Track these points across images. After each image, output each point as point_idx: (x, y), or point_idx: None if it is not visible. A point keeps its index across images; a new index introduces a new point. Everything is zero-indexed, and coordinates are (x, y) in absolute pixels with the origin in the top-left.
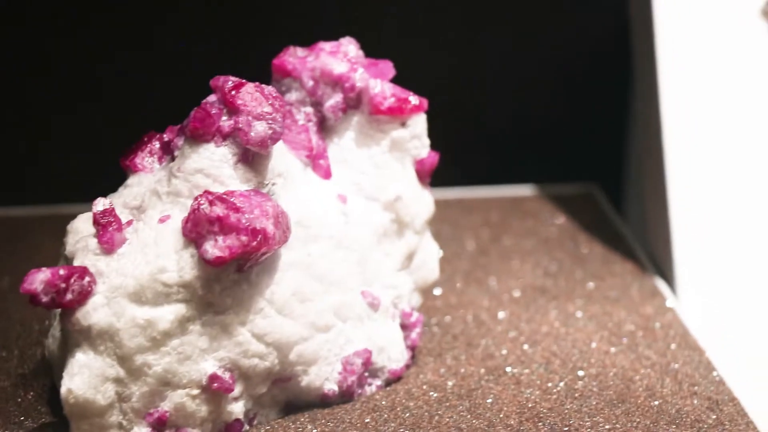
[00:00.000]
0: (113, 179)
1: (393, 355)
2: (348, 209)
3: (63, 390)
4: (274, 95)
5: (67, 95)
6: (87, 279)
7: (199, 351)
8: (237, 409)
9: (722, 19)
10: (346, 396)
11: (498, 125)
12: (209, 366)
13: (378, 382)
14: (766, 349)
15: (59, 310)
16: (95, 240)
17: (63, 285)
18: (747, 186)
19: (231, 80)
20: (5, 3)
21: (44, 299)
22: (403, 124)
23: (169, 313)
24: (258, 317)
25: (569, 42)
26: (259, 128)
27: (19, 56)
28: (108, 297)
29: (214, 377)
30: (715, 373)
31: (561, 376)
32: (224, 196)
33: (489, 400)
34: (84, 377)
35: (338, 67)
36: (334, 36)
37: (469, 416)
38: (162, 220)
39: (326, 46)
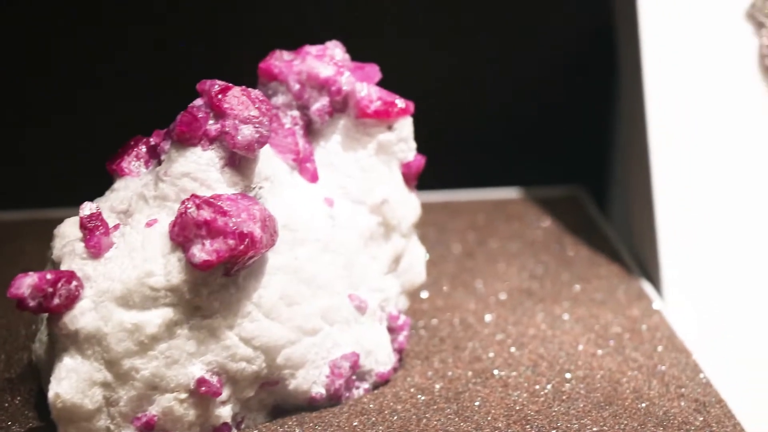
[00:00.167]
0: (99, 184)
1: (380, 358)
2: (335, 212)
3: (50, 394)
4: (261, 99)
5: (53, 99)
6: (74, 283)
7: (186, 355)
8: (225, 412)
9: (707, 20)
10: (333, 399)
11: (483, 128)
12: (197, 370)
13: (365, 385)
14: (752, 350)
15: (46, 314)
16: (82, 244)
17: (50, 289)
18: (733, 188)
19: (217, 84)
20: None
21: (31, 304)
22: (390, 128)
23: (157, 317)
24: (245, 321)
25: (554, 44)
26: (246, 132)
27: (2, 60)
28: (95, 301)
29: (201, 381)
30: (702, 375)
31: (548, 379)
32: (211, 200)
33: (476, 403)
34: (71, 382)
35: (324, 71)
36: (320, 39)
37: (456, 419)
38: (149, 224)
39: (312, 49)
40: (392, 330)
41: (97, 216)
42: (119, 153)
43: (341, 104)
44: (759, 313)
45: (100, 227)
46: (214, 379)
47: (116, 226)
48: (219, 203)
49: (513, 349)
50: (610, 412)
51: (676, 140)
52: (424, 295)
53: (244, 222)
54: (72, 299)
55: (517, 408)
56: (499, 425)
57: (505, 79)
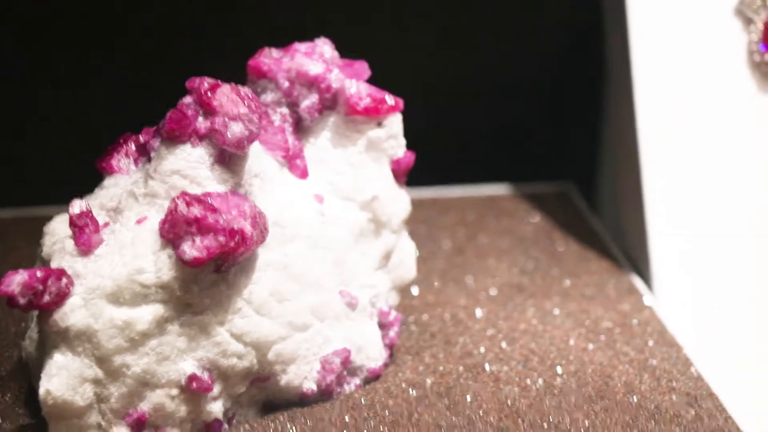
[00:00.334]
0: (89, 181)
1: (371, 353)
2: (325, 209)
3: (41, 391)
4: (251, 96)
5: (41, 96)
6: (64, 280)
7: (177, 351)
8: (216, 408)
9: (696, 16)
10: (325, 395)
11: (473, 124)
12: (188, 366)
13: (357, 380)
14: (743, 343)
15: (37, 311)
16: (72, 241)
17: (40, 287)
18: (722, 182)
19: (207, 81)
20: None
21: (21, 301)
22: (380, 124)
23: (147, 314)
24: (236, 317)
25: (543, 40)
26: (236, 129)
27: None
28: (85, 298)
29: (192, 377)
30: (693, 369)
31: (539, 373)
32: (201, 197)
33: (468, 398)
34: (62, 378)
35: (314, 68)
36: (309, 37)
37: (448, 414)
38: (139, 222)
39: (301, 47)
40: (383, 326)
41: (86, 213)
42: (109, 150)
43: (331, 101)
44: (748, 307)
45: (90, 224)
46: (205, 375)
47: (106, 224)
48: (209, 200)
49: (504, 344)
50: (602, 406)
51: (665, 135)
52: (415, 291)
53: (235, 219)
54: (62, 296)
55: (509, 402)
56: (491, 420)
57: (494, 75)
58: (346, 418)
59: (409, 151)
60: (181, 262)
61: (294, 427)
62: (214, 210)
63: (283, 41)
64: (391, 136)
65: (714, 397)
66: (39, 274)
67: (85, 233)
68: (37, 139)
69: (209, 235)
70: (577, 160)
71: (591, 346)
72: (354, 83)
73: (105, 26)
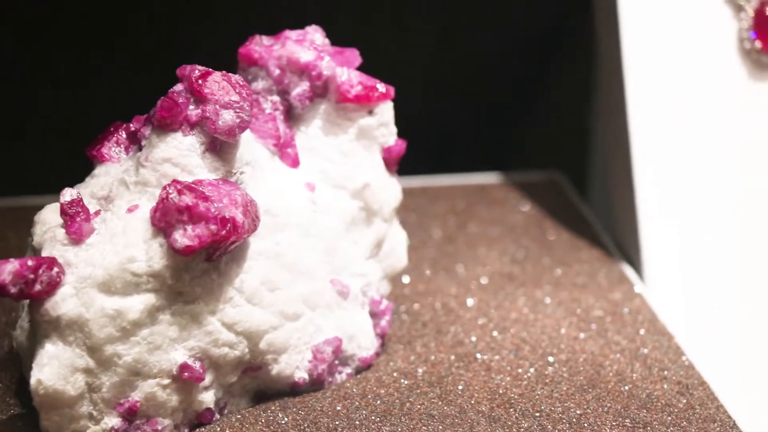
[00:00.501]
0: (80, 170)
1: (363, 342)
2: (316, 197)
3: (32, 381)
4: (242, 84)
5: (31, 86)
6: (55, 269)
7: (169, 340)
8: (208, 398)
9: (687, 4)
10: (316, 384)
11: (463, 113)
12: (179, 355)
13: (348, 370)
14: (734, 332)
15: (28, 301)
16: (63, 230)
17: (31, 276)
18: (713, 171)
19: (198, 69)
20: None
21: (13, 290)
22: (371, 112)
23: (139, 303)
24: (228, 306)
25: (533, 29)
26: (227, 117)
27: None
28: (77, 287)
29: (184, 367)
30: (684, 358)
31: (531, 362)
32: (193, 185)
33: (460, 387)
34: (53, 368)
35: (305, 56)
36: (299, 24)
37: (440, 403)
38: (130, 210)
39: (292, 34)
40: (374, 315)
41: (77, 202)
42: (99, 139)
43: (322, 89)
44: (739, 295)
45: (81, 213)
46: (197, 365)
47: (97, 212)
48: (200, 188)
49: (495, 333)
50: (594, 395)
51: (655, 123)
52: (406, 279)
53: (226, 207)
54: (53, 285)
55: (501, 391)
56: (483, 409)
57: (484, 64)
58: (338, 408)
59: (400, 139)
60: (173, 251)
61: (286, 417)
62: (206, 198)
63: (274, 29)
64: (382, 124)
65: (705, 386)
66: (30, 263)
67: (76, 222)
68: (26, 128)
69: (200, 224)
70: (568, 149)
71: (582, 335)
72: (345, 71)
73: (96, 14)
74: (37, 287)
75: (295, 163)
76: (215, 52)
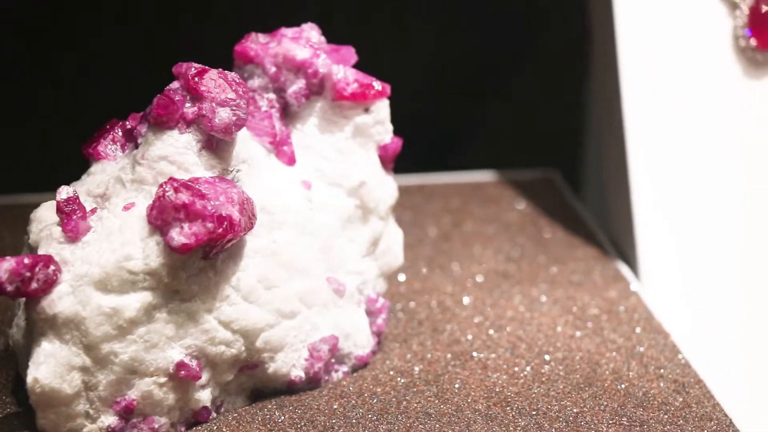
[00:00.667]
0: (76, 168)
1: (359, 341)
2: (312, 195)
3: (29, 379)
4: (238, 81)
5: (27, 83)
6: (52, 267)
7: (165, 339)
8: (204, 396)
9: (682, 3)
10: (313, 382)
11: (458, 111)
12: (176, 354)
13: (345, 368)
14: (730, 330)
15: (24, 299)
16: (59, 228)
17: (28, 274)
18: (708, 169)
19: (194, 67)
20: None
21: (9, 288)
22: (367, 110)
23: (135, 301)
24: (224, 304)
25: (528, 27)
26: (223, 115)
27: None
28: (73, 285)
29: (181, 365)
30: (680, 356)
31: (527, 361)
32: (189, 183)
33: (456, 385)
34: (50, 366)
35: (301, 53)
36: (295, 22)
37: (437, 401)
38: (127, 208)
39: (288, 32)
40: (371, 313)
41: (73, 200)
42: (95, 136)
43: (318, 87)
44: (735, 293)
45: (77, 211)
46: (194, 363)
47: (93, 210)
48: (197, 186)
49: (491, 332)
50: (590, 394)
51: (651, 121)
52: (402, 278)
53: (223, 205)
54: (50, 283)
55: (497, 390)
56: (480, 407)
57: (480, 62)
58: (335, 406)
59: (396, 137)
60: (169, 249)
61: (282, 415)
62: (203, 196)
63: (269, 26)
64: (378, 121)
65: (702, 384)
66: (26, 261)
67: (72, 220)
68: (22, 126)
69: (197, 222)
70: (563, 147)
71: (578, 333)
72: (341, 68)
73: (92, 11)
74: (34, 285)
75: (291, 161)
76: (211, 50)
